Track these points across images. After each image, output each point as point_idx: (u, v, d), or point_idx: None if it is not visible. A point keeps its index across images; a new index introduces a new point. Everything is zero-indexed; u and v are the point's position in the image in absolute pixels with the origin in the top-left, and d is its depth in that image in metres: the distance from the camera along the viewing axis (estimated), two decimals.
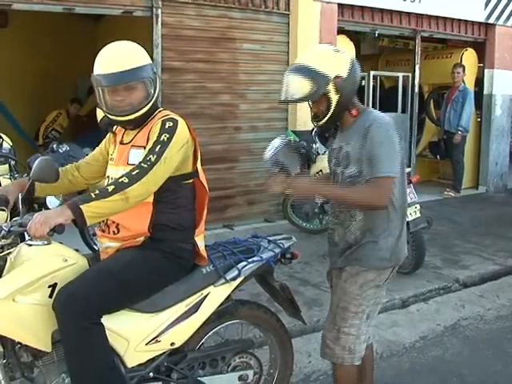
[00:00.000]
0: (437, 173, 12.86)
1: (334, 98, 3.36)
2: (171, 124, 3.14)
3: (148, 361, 3.25)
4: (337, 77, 3.33)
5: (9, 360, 2.98)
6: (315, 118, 3.49)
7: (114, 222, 3.19)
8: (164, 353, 3.29)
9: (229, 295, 3.45)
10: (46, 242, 2.94)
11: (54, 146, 6.14)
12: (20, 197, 3.25)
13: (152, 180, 2.99)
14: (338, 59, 3.40)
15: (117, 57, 3.18)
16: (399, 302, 5.98)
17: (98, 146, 3.59)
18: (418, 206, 6.39)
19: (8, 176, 5.51)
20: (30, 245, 2.99)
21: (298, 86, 3.37)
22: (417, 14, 10.85)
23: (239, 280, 3.45)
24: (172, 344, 3.27)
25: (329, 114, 3.40)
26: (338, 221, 3.53)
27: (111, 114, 3.23)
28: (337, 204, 3.52)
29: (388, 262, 3.45)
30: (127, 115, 3.17)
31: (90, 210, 2.81)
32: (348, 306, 3.43)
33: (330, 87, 3.33)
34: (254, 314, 3.67)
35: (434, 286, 6.43)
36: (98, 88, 3.18)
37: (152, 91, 3.20)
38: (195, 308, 3.29)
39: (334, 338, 3.47)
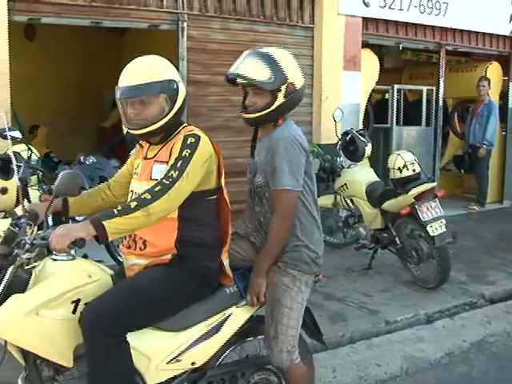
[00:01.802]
0: (461, 187, 12.77)
1: (280, 99, 3.38)
2: (193, 140, 3.12)
3: (168, 379, 3.23)
4: (292, 83, 3.38)
5: (30, 373, 2.98)
6: (245, 108, 3.50)
7: (141, 238, 3.18)
8: (184, 372, 3.27)
9: (251, 316, 3.43)
10: (70, 257, 2.95)
11: (81, 157, 6.18)
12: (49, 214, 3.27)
13: (174, 196, 2.98)
14: (297, 71, 3.47)
15: (135, 71, 3.19)
16: (424, 317, 5.93)
17: (123, 157, 3.60)
18: (443, 221, 6.35)
19: (36, 187, 5.55)
20: (55, 259, 3.00)
21: (256, 68, 3.36)
22: (441, 27, 10.83)
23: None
24: (193, 363, 3.24)
25: (266, 111, 3.39)
26: (260, 228, 3.57)
27: (127, 127, 3.26)
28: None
29: (313, 266, 3.47)
30: (140, 129, 3.17)
31: (112, 225, 2.80)
32: (281, 298, 3.41)
33: (283, 88, 3.37)
34: None
35: (460, 301, 6.37)
36: (116, 100, 3.23)
37: (168, 107, 3.17)
38: (217, 328, 3.27)
39: (272, 338, 3.43)
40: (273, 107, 3.38)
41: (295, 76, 3.42)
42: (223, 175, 3.31)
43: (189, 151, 3.08)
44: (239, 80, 3.44)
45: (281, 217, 3.34)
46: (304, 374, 3.53)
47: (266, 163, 3.40)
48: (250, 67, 3.38)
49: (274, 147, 3.34)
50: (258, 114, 3.42)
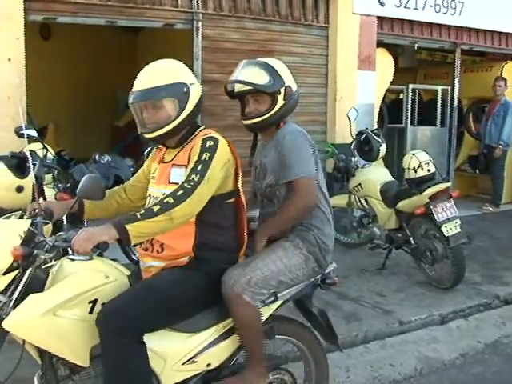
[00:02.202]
0: (475, 187, 12.71)
1: (280, 101, 3.50)
2: (212, 143, 3.14)
3: (184, 380, 3.23)
4: (289, 86, 3.53)
5: (46, 372, 3.00)
6: (246, 115, 3.58)
7: (158, 241, 3.19)
8: (200, 373, 3.27)
9: (267, 318, 3.41)
10: (88, 258, 2.97)
11: (96, 156, 6.20)
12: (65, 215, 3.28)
13: (196, 200, 2.98)
14: (291, 77, 3.60)
15: (146, 75, 3.22)
16: (438, 318, 5.90)
17: (137, 156, 3.61)
18: (458, 221, 6.33)
19: (52, 185, 5.58)
20: (73, 259, 3.01)
21: (256, 74, 3.48)
22: (457, 26, 10.81)
23: (277, 304, 3.43)
24: (208, 365, 3.24)
25: (268, 114, 3.49)
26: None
27: (140, 131, 3.29)
28: (280, 234, 3.50)
29: (319, 255, 3.49)
30: (150, 132, 3.20)
31: (135, 229, 2.81)
32: (275, 248, 3.43)
33: (282, 90, 3.49)
34: (288, 329, 3.62)
35: (474, 302, 6.33)
36: (129, 105, 3.27)
37: (177, 110, 3.18)
38: (233, 330, 3.28)
39: (242, 270, 3.27)
40: (274, 110, 3.50)
41: (290, 80, 3.58)
42: (240, 178, 3.33)
43: (208, 154, 3.09)
44: (239, 87, 3.54)
45: (298, 199, 3.37)
46: (249, 312, 3.25)
47: (275, 160, 3.47)
48: (249, 74, 3.50)
49: (281, 142, 3.43)
50: (260, 119, 3.52)
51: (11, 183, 5.13)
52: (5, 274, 2.81)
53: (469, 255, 6.67)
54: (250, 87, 3.48)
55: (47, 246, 2.85)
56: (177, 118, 3.17)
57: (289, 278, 3.38)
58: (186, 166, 3.14)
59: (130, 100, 3.22)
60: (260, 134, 3.75)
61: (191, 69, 3.41)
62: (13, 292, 2.84)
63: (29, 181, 5.01)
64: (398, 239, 6.96)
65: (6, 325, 2.77)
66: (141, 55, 11.64)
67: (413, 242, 6.73)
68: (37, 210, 3.15)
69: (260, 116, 3.50)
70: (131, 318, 2.93)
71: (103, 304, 2.99)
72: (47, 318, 2.83)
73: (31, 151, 5.28)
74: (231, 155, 3.24)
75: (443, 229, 6.23)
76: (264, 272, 3.28)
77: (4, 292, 2.83)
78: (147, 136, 3.24)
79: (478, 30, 11.17)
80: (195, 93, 3.24)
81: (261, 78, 3.45)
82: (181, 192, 2.95)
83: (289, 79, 3.55)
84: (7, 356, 2.87)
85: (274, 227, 3.47)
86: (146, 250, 3.26)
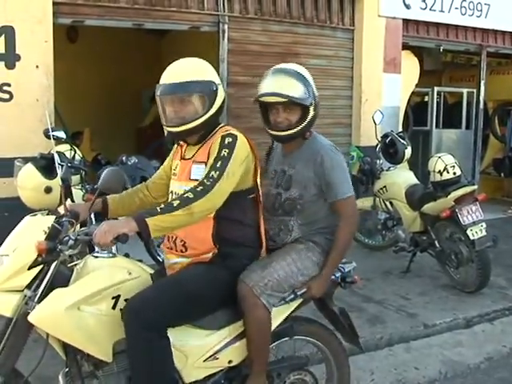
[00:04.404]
0: (500, 190, 12.63)
1: (311, 113, 3.48)
2: (230, 140, 3.16)
3: (205, 377, 3.24)
4: (317, 95, 3.52)
5: (70, 369, 3.03)
6: (273, 124, 3.53)
7: (181, 241, 3.24)
8: (221, 370, 3.28)
9: (287, 316, 3.44)
10: (111, 255, 3.00)
11: (123, 158, 6.26)
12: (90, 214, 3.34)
13: (216, 196, 3.01)
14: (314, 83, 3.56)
15: (177, 70, 3.25)
16: (463, 321, 5.88)
17: (163, 158, 3.65)
18: (483, 225, 6.30)
19: (79, 187, 5.64)
20: (97, 256, 3.06)
21: (291, 85, 3.44)
22: (483, 29, 10.76)
23: (298, 302, 3.45)
24: (230, 362, 3.27)
25: (301, 126, 3.47)
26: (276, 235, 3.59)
27: (165, 125, 3.30)
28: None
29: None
30: (176, 127, 3.21)
31: (154, 223, 2.84)
32: (290, 251, 3.45)
33: (313, 102, 3.48)
34: (309, 330, 3.63)
35: (499, 306, 6.29)
36: (156, 97, 3.27)
37: (205, 107, 3.20)
38: None
39: (260, 272, 3.28)
40: (307, 121, 3.48)
41: (315, 88, 3.54)
42: (259, 174, 3.35)
43: (227, 151, 3.12)
44: (272, 98, 3.46)
45: (348, 224, 3.45)
46: (264, 316, 3.26)
47: (306, 176, 3.48)
48: (284, 85, 3.45)
49: (319, 160, 3.44)
50: (294, 131, 3.50)
51: (40, 184, 5.17)
52: (29, 268, 2.86)
53: (494, 259, 6.62)
54: (285, 99, 3.43)
55: (70, 240, 2.90)
56: (204, 115, 3.20)
57: (300, 282, 3.41)
58: (206, 163, 3.17)
59: (158, 92, 3.23)
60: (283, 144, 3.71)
61: (217, 71, 3.43)
62: (38, 287, 2.89)
63: (57, 182, 5.06)
64: (423, 242, 6.95)
65: (31, 318, 2.82)
66: (165, 58, 11.66)
67: (438, 245, 6.71)
68: (63, 213, 3.21)
69: (292, 128, 3.46)
70: (157, 312, 2.96)
71: (126, 300, 3.02)
72: (71, 312, 2.87)
73: (59, 153, 5.35)
74: (250, 151, 3.26)
75: (469, 232, 6.20)
76: (280, 275, 3.31)
77: (29, 286, 2.88)
78: (171, 130, 3.26)
79: (504, 33, 11.10)
80: (221, 93, 3.28)
81: (297, 89, 3.42)
82: (200, 188, 2.98)
83: (315, 87, 3.53)
84: (32, 355, 2.91)
85: (337, 259, 3.49)
86: (171, 248, 3.31)
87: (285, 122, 3.48)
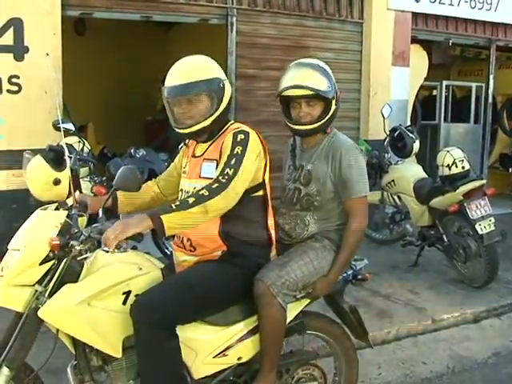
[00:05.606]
0: (509, 185, 12.57)
1: (333, 107, 3.48)
2: (243, 137, 3.13)
3: (214, 373, 3.24)
4: (338, 90, 3.51)
5: (79, 362, 3.03)
6: (295, 119, 3.52)
7: (188, 240, 3.22)
8: (230, 367, 3.28)
9: (297, 314, 3.43)
10: (121, 250, 3.01)
11: (132, 150, 6.27)
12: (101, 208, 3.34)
13: (232, 193, 2.98)
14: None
15: (182, 70, 3.21)
16: (471, 316, 5.87)
17: (171, 150, 3.63)
18: (492, 219, 6.29)
19: (88, 179, 5.65)
20: (107, 251, 3.05)
21: (316, 78, 3.43)
22: (492, 22, 10.72)
23: (308, 299, 3.45)
24: (239, 359, 3.26)
25: (324, 120, 3.46)
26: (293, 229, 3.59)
27: (175, 126, 3.27)
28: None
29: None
30: (187, 128, 3.18)
31: (169, 220, 2.81)
32: (307, 251, 3.44)
33: (335, 95, 3.48)
34: (318, 325, 3.62)
35: (507, 301, 6.27)
36: (164, 100, 3.25)
37: (214, 105, 3.18)
38: None
39: (278, 271, 3.26)
40: (329, 115, 3.47)
41: (336, 85, 3.52)
42: (268, 171, 3.33)
43: (240, 148, 3.09)
44: (295, 91, 3.44)
45: (359, 222, 3.43)
46: (279, 315, 3.24)
47: (324, 172, 3.46)
48: (308, 78, 3.43)
49: (339, 157, 3.43)
50: (317, 125, 3.48)
51: (48, 176, 5.17)
52: (41, 264, 2.85)
53: (502, 254, 6.61)
54: (309, 92, 3.41)
55: (82, 236, 2.88)
56: (214, 113, 3.18)
57: (313, 282, 3.41)
58: (217, 161, 3.15)
59: (166, 95, 3.20)
60: (303, 138, 3.68)
61: (225, 64, 3.42)
62: (48, 282, 2.88)
63: (66, 174, 5.07)
64: (431, 236, 6.93)
65: (41, 314, 2.82)
66: (173, 50, 11.68)
67: (446, 240, 6.70)
68: (71, 204, 3.20)
69: (315, 122, 3.46)
70: (165, 311, 2.95)
71: (136, 295, 3.02)
72: (82, 308, 2.87)
73: (68, 144, 5.35)
74: (262, 147, 3.24)
75: (477, 227, 6.19)
76: (297, 275, 3.31)
77: (40, 282, 2.87)
78: (182, 132, 3.23)
79: None
80: (228, 89, 3.26)
81: (322, 83, 3.41)
82: (216, 185, 2.95)
83: (336, 86, 3.51)
84: (41, 346, 2.92)
85: (345, 261, 3.47)
86: (180, 246, 3.29)
87: (307, 117, 3.47)
